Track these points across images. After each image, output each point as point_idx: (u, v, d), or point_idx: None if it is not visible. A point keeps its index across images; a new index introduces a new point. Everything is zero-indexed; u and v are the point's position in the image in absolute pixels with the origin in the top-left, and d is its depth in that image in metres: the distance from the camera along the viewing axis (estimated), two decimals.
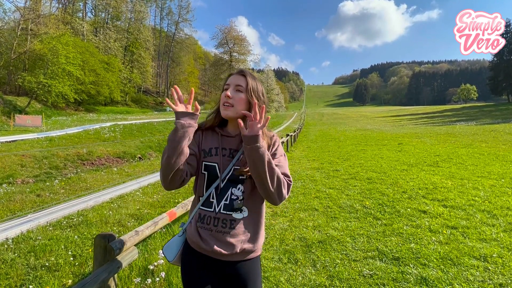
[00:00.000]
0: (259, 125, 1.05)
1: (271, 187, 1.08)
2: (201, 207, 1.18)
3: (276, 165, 1.14)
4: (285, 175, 1.17)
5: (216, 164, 1.18)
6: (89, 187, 7.98)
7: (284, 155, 1.25)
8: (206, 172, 1.19)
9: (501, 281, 2.41)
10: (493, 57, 66.83)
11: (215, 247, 1.13)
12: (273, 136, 1.27)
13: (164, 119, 28.90)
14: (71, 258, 3.34)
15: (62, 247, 3.69)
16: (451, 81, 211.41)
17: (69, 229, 4.49)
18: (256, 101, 1.18)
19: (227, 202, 1.16)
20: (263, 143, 1.07)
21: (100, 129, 18.51)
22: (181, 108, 1.12)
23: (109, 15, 48.07)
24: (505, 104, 60.35)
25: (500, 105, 59.85)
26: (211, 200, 1.17)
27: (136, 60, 49.18)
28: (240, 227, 1.16)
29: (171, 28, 64.73)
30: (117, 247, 1.46)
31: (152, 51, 54.91)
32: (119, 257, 1.50)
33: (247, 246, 1.17)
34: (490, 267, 2.63)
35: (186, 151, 1.10)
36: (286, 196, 1.14)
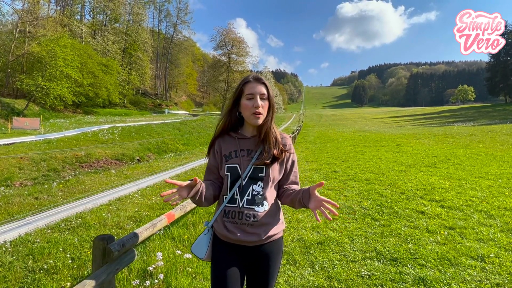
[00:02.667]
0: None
1: None
2: (226, 204, 1.31)
3: (293, 178, 1.43)
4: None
5: (237, 165, 1.32)
6: (87, 190, 7.97)
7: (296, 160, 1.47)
8: (228, 173, 1.33)
9: (498, 281, 2.43)
10: (490, 58, 67.10)
11: (241, 237, 1.27)
12: (287, 139, 1.43)
13: (163, 121, 28.86)
14: (70, 261, 3.33)
15: (61, 249, 3.68)
16: (448, 82, 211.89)
17: (67, 232, 4.48)
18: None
19: (249, 197, 1.30)
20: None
21: (99, 131, 18.47)
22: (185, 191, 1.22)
23: (107, 17, 48.00)
24: (502, 105, 60.58)
25: (497, 105, 60.06)
26: (235, 197, 1.30)
27: (134, 62, 49.07)
28: (263, 219, 1.29)
29: (170, 30, 64.71)
30: (115, 249, 1.47)
31: (150, 53, 54.82)
32: (117, 259, 1.51)
33: (271, 232, 1.32)
34: (487, 267, 2.65)
35: (208, 194, 1.30)
36: None
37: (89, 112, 34.47)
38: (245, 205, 1.29)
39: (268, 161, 1.30)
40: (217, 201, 1.42)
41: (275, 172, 1.35)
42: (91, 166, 12.37)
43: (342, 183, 6.43)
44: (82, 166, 12.08)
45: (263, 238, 1.29)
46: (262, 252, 1.33)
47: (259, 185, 1.31)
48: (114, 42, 44.80)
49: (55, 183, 8.75)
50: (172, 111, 52.31)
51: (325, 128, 35.60)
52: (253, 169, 1.31)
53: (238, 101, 1.35)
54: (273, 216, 1.34)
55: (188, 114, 50.49)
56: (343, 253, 3.12)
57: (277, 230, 1.35)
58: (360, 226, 3.88)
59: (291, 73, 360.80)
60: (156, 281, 2.58)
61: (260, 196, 1.31)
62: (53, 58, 24.89)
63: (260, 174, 1.31)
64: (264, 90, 1.32)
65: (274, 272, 1.37)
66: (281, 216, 1.40)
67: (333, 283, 2.54)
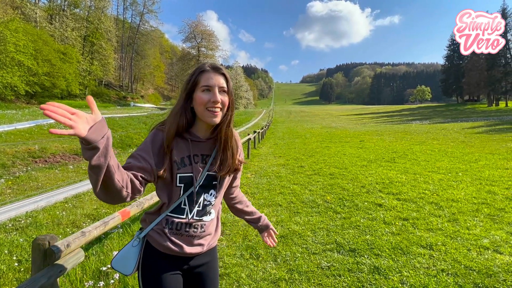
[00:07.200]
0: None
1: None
2: (169, 214, 1.12)
3: None
4: None
5: (192, 174, 1.11)
6: (40, 187, 7.41)
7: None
8: (182, 185, 1.11)
9: (443, 267, 2.62)
10: (445, 61, 72.47)
11: (187, 250, 1.14)
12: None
13: (128, 114, 27.66)
14: (16, 264, 3.08)
15: (6, 252, 3.39)
16: (408, 82, 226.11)
17: (15, 232, 4.14)
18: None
19: (200, 208, 1.15)
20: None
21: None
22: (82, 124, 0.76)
23: (66, 2, 44.66)
24: (454, 105, 65.89)
25: (450, 105, 65.18)
26: (182, 206, 1.12)
27: (96, 51, 46.29)
28: (209, 228, 1.19)
29: (136, 19, 61.80)
30: (58, 250, 1.35)
31: (114, 42, 52.08)
32: (61, 261, 1.39)
33: (213, 242, 1.24)
34: (434, 255, 2.85)
35: (118, 176, 0.89)
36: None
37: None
38: (194, 217, 1.14)
39: (225, 173, 1.16)
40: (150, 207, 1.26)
41: (227, 178, 1.22)
42: (46, 161, 11.52)
43: (308, 178, 6.59)
44: (36, 161, 11.22)
45: (205, 249, 1.20)
46: (200, 262, 1.22)
47: (211, 193, 1.17)
48: (73, 28, 41.90)
49: (2, 180, 8.04)
50: (138, 104, 50.28)
51: (294, 124, 36.30)
52: (206, 176, 1.14)
53: (192, 94, 1.11)
54: (216, 224, 1.25)
55: (155, 107, 48.87)
56: (305, 245, 3.19)
57: (215, 239, 1.26)
58: (322, 219, 4.00)
59: (261, 69, 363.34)
60: (112, 281, 2.45)
61: (211, 206, 1.18)
62: (2, 43, 22.70)
63: (214, 182, 1.16)
64: (223, 83, 1.10)
65: (215, 279, 1.28)
66: (220, 223, 1.29)
67: (294, 275, 2.59)
